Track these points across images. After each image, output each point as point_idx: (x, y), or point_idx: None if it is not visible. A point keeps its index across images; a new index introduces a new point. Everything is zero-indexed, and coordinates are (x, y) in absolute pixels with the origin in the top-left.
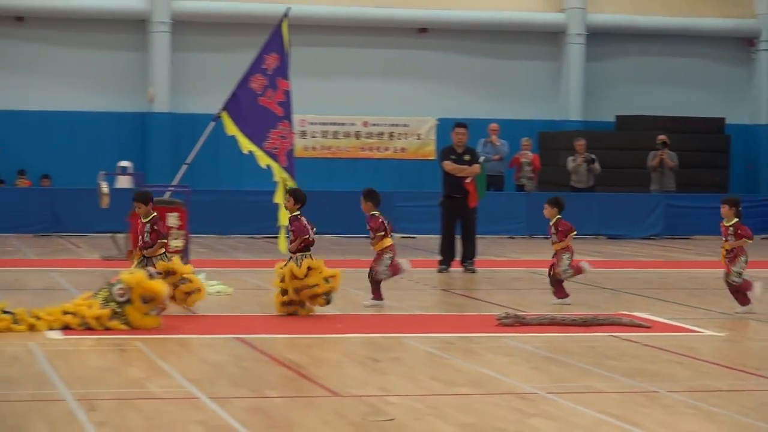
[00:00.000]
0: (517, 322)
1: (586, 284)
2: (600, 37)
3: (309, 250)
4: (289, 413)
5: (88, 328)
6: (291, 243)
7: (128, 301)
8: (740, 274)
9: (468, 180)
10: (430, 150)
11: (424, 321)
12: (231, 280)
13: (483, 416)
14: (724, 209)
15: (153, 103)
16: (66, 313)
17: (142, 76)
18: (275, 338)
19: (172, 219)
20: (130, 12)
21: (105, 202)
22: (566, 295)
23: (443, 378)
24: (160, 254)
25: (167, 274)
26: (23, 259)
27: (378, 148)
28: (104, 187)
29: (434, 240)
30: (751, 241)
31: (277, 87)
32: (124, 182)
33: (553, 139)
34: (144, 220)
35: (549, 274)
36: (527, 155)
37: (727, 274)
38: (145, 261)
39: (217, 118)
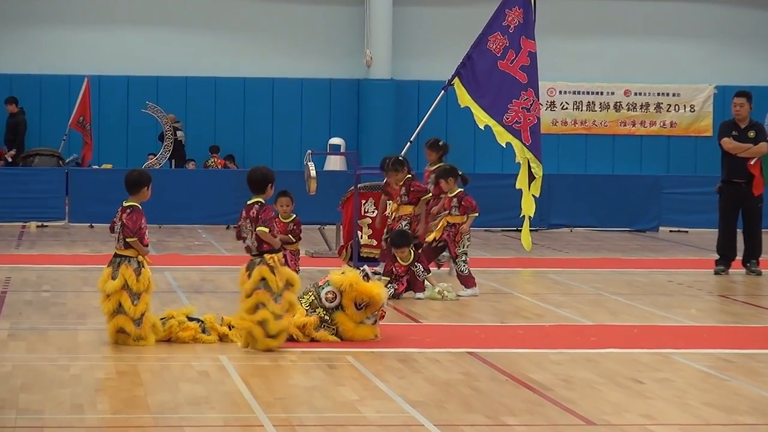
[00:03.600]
0: None
1: None
2: None
3: None
4: None
5: (290, 339)
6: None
7: (339, 307)
8: None
9: (753, 162)
10: (706, 125)
11: (697, 334)
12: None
13: None
14: None
15: (370, 67)
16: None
17: (357, 36)
18: (516, 353)
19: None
20: None
21: (312, 187)
22: None
23: (720, 404)
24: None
25: None
26: (214, 256)
27: (642, 123)
28: (312, 170)
29: (710, 235)
30: None
31: (521, 48)
32: (335, 164)
33: None
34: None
35: None
36: None
37: None
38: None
39: (447, 86)
